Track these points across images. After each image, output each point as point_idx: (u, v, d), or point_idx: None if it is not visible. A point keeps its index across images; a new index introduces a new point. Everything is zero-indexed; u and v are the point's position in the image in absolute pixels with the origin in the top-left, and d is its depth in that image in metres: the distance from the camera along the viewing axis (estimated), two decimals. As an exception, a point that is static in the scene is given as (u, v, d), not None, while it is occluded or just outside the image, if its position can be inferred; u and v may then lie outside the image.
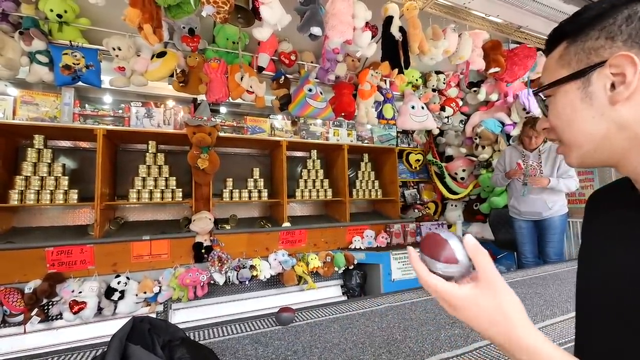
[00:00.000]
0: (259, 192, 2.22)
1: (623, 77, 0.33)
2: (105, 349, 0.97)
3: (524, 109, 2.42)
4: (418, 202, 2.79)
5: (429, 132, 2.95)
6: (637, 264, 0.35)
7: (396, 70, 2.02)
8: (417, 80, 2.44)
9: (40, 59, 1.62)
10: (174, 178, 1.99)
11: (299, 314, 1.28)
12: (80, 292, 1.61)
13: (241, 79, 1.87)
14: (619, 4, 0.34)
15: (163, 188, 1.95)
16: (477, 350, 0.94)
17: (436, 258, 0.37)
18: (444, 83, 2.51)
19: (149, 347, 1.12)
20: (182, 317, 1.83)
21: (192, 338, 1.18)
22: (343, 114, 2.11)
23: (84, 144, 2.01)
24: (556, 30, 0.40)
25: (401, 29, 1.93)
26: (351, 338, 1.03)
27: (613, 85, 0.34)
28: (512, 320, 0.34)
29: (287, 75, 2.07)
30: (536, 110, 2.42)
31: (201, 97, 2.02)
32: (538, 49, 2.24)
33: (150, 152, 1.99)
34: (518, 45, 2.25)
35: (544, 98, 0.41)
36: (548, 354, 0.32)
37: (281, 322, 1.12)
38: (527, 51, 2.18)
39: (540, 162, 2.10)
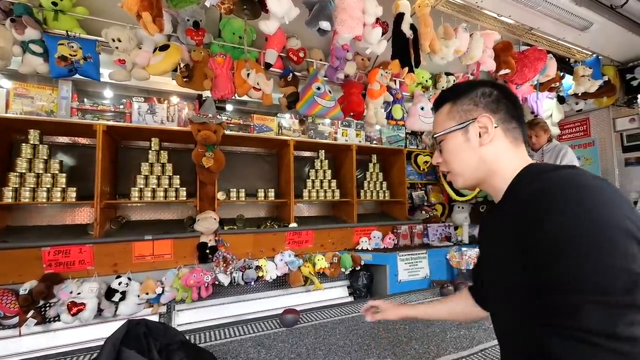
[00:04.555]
0: (266, 192, 2.08)
1: (486, 129, 0.53)
2: (98, 353, 0.84)
3: (532, 112, 2.31)
4: (425, 203, 2.67)
5: (435, 134, 2.82)
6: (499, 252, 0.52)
7: (406, 69, 1.87)
8: (427, 81, 2.29)
9: (34, 48, 1.43)
10: (178, 177, 1.83)
11: (304, 315, 1.19)
12: (79, 294, 1.47)
13: (248, 75, 1.71)
14: (477, 84, 0.56)
15: (166, 187, 1.79)
16: (482, 352, 0.92)
17: None
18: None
19: (145, 352, 0.98)
20: (186, 318, 1.70)
21: (193, 341, 1.06)
22: (352, 113, 1.96)
23: (82, 140, 1.83)
24: (441, 95, 0.59)
25: (412, 27, 1.79)
26: (356, 340, 0.98)
27: (480, 135, 0.54)
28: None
29: (296, 73, 1.91)
30: (544, 114, 2.31)
31: (206, 94, 1.86)
32: (548, 52, 2.11)
33: (153, 149, 1.82)
34: (528, 47, 2.12)
35: (439, 142, 0.58)
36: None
37: (285, 324, 1.04)
38: (537, 53, 2.05)
39: (542, 161, 2.03)
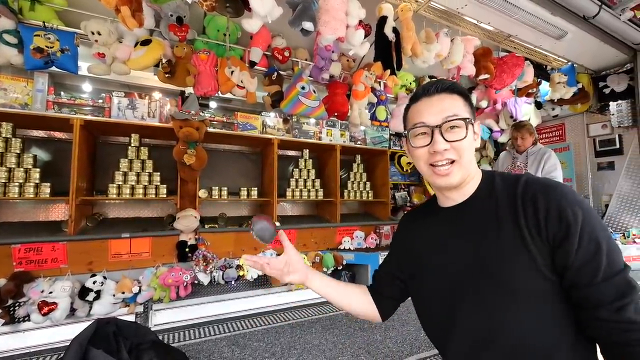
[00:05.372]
0: (249, 190, 2.07)
1: (478, 135, 0.57)
2: (64, 353, 0.82)
3: (511, 117, 2.39)
4: (408, 204, 2.70)
5: (419, 136, 2.86)
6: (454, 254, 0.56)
7: (388, 71, 1.91)
8: (410, 83, 2.34)
9: (7, 39, 1.39)
10: (158, 174, 1.80)
11: (280, 315, 1.18)
12: (50, 293, 1.41)
13: (231, 73, 1.71)
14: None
15: (146, 184, 1.76)
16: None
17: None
18: (435, 88, 2.42)
19: (113, 351, 0.96)
20: (164, 318, 1.65)
21: (167, 340, 1.04)
22: (336, 113, 1.98)
23: (58, 135, 1.77)
24: (454, 84, 0.56)
25: (395, 30, 1.83)
26: (332, 339, 0.99)
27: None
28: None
29: (280, 72, 1.91)
30: (522, 118, 2.39)
31: (189, 90, 1.84)
32: (526, 59, 2.19)
33: (132, 145, 1.78)
34: (507, 53, 2.20)
35: (453, 126, 0.54)
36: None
37: (261, 236, 0.71)
38: (515, 60, 2.12)
39: (527, 163, 2.09)
